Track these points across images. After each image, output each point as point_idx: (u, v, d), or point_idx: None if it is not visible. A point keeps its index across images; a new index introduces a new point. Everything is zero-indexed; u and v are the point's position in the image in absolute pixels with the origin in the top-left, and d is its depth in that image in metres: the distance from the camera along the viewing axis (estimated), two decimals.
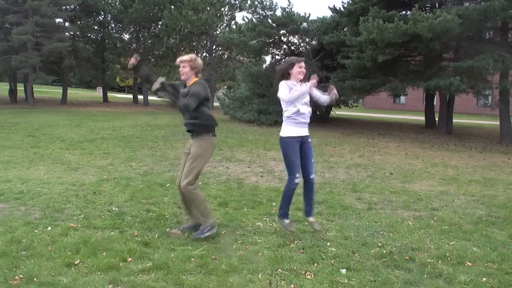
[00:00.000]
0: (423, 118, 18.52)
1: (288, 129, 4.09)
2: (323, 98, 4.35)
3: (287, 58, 4.28)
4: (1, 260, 3.49)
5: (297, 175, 4.10)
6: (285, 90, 4.06)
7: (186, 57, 4.07)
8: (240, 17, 74.86)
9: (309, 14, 16.42)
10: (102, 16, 30.06)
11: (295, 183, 4.12)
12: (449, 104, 15.67)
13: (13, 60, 22.14)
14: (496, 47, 12.73)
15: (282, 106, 4.15)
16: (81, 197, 5.51)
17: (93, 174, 7.06)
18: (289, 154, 4.07)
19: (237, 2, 25.65)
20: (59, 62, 26.53)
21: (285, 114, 4.12)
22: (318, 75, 4.32)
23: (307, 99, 4.18)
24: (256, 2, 16.27)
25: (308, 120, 4.19)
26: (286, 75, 4.15)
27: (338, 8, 16.68)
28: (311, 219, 4.33)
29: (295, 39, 17.71)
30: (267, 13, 16.33)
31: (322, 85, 4.67)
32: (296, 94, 4.03)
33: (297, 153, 4.10)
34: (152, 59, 29.17)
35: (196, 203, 4.10)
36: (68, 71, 30.89)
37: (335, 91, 4.28)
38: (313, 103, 4.34)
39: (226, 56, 27.74)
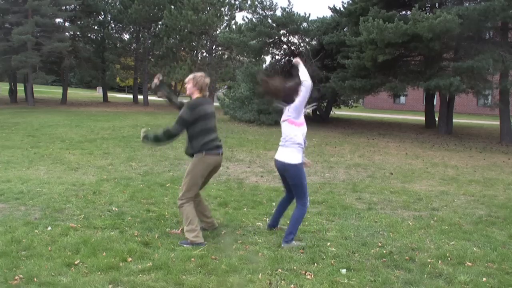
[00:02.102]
0: (423, 118, 18.52)
1: (299, 156, 3.99)
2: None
3: (290, 83, 4.11)
4: (1, 260, 3.49)
5: (309, 198, 4.13)
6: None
7: (190, 75, 4.26)
8: (240, 17, 74.97)
9: (309, 14, 16.44)
10: (102, 16, 30.05)
11: (308, 206, 4.12)
12: (449, 104, 15.67)
13: (13, 60, 22.13)
14: (496, 47, 12.73)
15: (292, 131, 3.97)
16: (81, 197, 5.52)
17: (93, 174, 7.06)
18: (304, 180, 4.03)
19: (237, 2, 25.64)
20: (59, 62, 26.53)
21: (294, 140, 3.96)
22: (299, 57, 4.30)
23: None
24: (256, 2, 16.27)
25: None
26: (291, 99, 3.99)
27: (338, 8, 16.69)
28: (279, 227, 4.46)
29: (295, 39, 17.73)
30: (267, 13, 16.34)
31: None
32: (306, 74, 3.99)
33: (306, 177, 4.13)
34: (152, 59, 29.17)
35: (183, 218, 4.11)
36: (68, 71, 30.87)
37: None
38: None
39: (226, 56, 27.72)
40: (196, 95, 4.16)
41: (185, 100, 4.37)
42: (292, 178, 4.03)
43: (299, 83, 4.01)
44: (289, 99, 3.99)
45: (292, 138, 3.97)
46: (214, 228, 4.38)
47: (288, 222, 4.51)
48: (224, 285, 3.20)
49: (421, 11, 12.38)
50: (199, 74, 4.21)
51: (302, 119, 4.02)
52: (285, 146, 4.01)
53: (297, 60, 4.18)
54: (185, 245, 3.93)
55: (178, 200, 4.14)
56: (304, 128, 4.03)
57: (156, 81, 4.44)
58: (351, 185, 6.77)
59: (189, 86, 4.17)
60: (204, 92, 4.18)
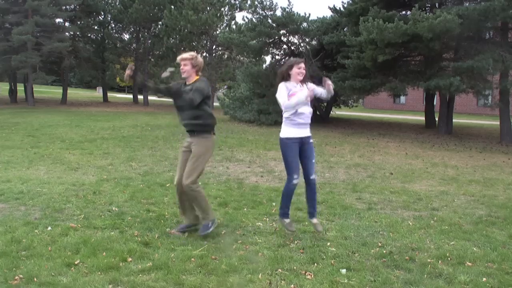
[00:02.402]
0: (423, 118, 18.52)
1: (287, 130, 4.08)
2: (323, 93, 4.31)
3: (286, 60, 4.25)
4: (1, 260, 3.49)
5: (295, 176, 4.08)
6: (284, 93, 4.05)
7: (186, 54, 4.03)
8: (240, 17, 74.94)
9: (309, 14, 16.44)
10: (102, 16, 30.07)
11: (293, 184, 4.11)
12: (449, 104, 15.67)
13: (13, 60, 22.15)
14: (496, 47, 12.73)
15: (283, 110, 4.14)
16: (81, 197, 5.51)
17: (93, 174, 7.06)
18: (286, 155, 4.08)
19: (237, 2, 25.66)
20: (59, 62, 26.55)
21: (284, 115, 4.11)
22: (321, 79, 4.30)
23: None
24: (256, 2, 16.27)
25: (308, 121, 4.15)
26: (286, 77, 4.15)
27: (338, 8, 16.69)
28: (315, 220, 4.31)
29: (295, 39, 17.72)
30: (267, 13, 16.33)
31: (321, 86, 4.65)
32: (294, 101, 3.99)
33: (295, 154, 4.09)
34: (152, 59, 29.16)
35: (199, 201, 4.11)
36: (68, 71, 30.89)
37: (329, 81, 4.22)
38: (314, 102, 4.31)
39: (226, 56, 27.73)
40: (194, 77, 4.04)
41: (173, 85, 4.20)
42: (281, 151, 4.21)
43: (294, 62, 4.13)
44: (285, 77, 4.14)
45: (283, 113, 4.14)
46: (198, 223, 4.29)
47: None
48: (224, 285, 3.20)
49: (421, 11, 12.38)
50: (195, 53, 4.07)
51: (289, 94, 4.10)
52: None
53: (328, 84, 4.12)
54: (210, 228, 4.05)
55: (191, 185, 4.00)
56: (291, 99, 4.03)
57: (128, 72, 4.00)
58: (351, 185, 6.76)
59: (187, 68, 3.99)
60: (201, 72, 4.09)
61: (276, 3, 19.37)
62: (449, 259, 3.75)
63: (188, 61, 3.99)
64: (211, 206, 4.25)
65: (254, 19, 16.46)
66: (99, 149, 9.65)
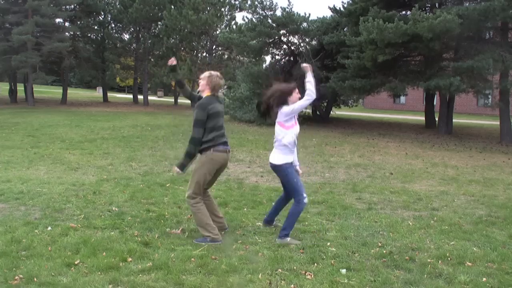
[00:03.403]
0: (423, 118, 18.52)
1: (285, 157, 4.13)
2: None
3: (285, 85, 4.22)
4: (1, 260, 3.49)
5: (305, 195, 4.13)
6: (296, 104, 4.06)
7: (207, 73, 4.25)
8: (240, 17, 74.85)
9: (309, 14, 16.44)
10: (102, 16, 30.06)
11: (305, 203, 4.14)
12: (449, 104, 15.67)
13: (13, 60, 22.14)
14: (496, 47, 12.73)
15: (280, 133, 4.12)
16: (81, 197, 5.51)
17: (93, 174, 7.06)
18: (292, 178, 4.12)
19: (237, 2, 25.65)
20: (59, 62, 26.54)
21: (280, 141, 4.11)
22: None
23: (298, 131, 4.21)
24: (256, 2, 16.27)
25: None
26: (284, 100, 4.10)
27: (338, 8, 16.70)
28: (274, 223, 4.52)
29: (295, 39, 17.73)
30: (267, 13, 16.34)
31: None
32: (312, 87, 4.03)
33: (297, 175, 4.21)
34: (152, 59, 29.15)
35: (196, 218, 4.14)
36: (68, 71, 30.88)
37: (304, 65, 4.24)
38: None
39: (226, 56, 27.73)
40: (206, 93, 4.17)
41: (195, 93, 4.39)
42: (279, 177, 4.29)
43: (294, 87, 4.14)
44: (283, 101, 4.10)
45: (280, 140, 4.13)
46: (225, 228, 4.35)
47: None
48: (224, 285, 3.20)
49: (421, 11, 12.39)
50: (215, 73, 4.21)
51: (292, 122, 4.13)
52: (274, 147, 4.22)
53: (306, 67, 4.16)
54: (198, 242, 3.97)
55: (189, 199, 4.11)
56: (294, 130, 4.14)
57: (173, 59, 4.34)
58: (351, 185, 6.76)
59: (203, 82, 4.18)
60: (215, 92, 4.20)
61: (276, 3, 19.39)
62: (449, 259, 3.75)
63: (205, 77, 4.18)
64: (215, 227, 4.12)
65: (254, 19, 16.46)
66: (99, 149, 9.65)
